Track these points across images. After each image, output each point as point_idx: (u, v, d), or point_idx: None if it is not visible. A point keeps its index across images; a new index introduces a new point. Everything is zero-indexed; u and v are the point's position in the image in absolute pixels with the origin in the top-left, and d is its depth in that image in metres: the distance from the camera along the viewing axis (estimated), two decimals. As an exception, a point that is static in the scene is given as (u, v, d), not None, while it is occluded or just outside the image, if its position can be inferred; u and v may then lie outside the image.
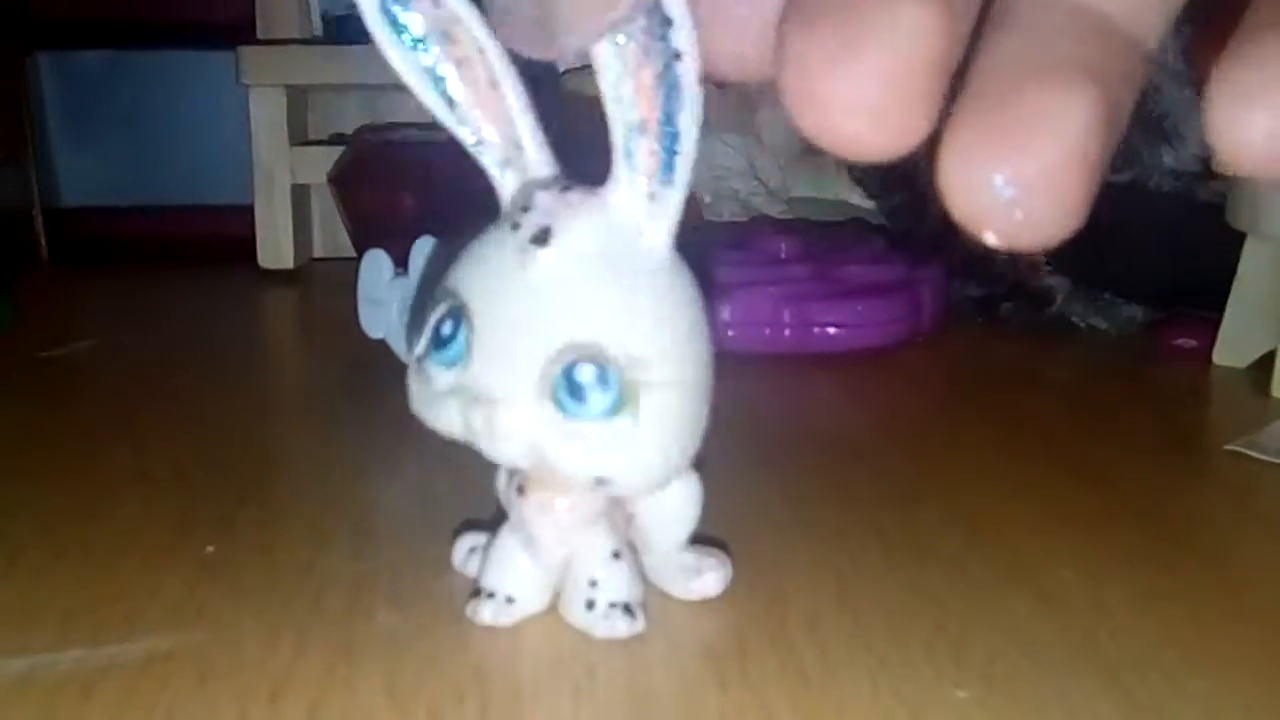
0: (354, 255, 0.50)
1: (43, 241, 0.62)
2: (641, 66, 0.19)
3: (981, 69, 0.14)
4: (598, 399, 0.19)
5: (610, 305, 0.20)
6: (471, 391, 0.20)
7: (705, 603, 0.24)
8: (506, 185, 0.21)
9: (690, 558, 0.24)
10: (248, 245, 0.59)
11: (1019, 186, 0.13)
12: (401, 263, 0.39)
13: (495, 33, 0.18)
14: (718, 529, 0.25)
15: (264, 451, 0.33)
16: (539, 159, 0.21)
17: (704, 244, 0.47)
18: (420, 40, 0.20)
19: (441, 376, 0.20)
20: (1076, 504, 0.30)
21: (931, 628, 0.23)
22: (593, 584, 0.22)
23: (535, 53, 0.17)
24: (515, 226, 0.20)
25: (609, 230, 0.20)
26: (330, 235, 0.63)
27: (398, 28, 0.19)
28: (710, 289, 0.21)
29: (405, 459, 0.32)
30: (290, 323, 0.55)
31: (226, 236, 0.61)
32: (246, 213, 0.60)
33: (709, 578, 0.24)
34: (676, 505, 0.23)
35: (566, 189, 0.20)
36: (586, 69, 0.19)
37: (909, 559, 0.26)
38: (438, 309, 0.21)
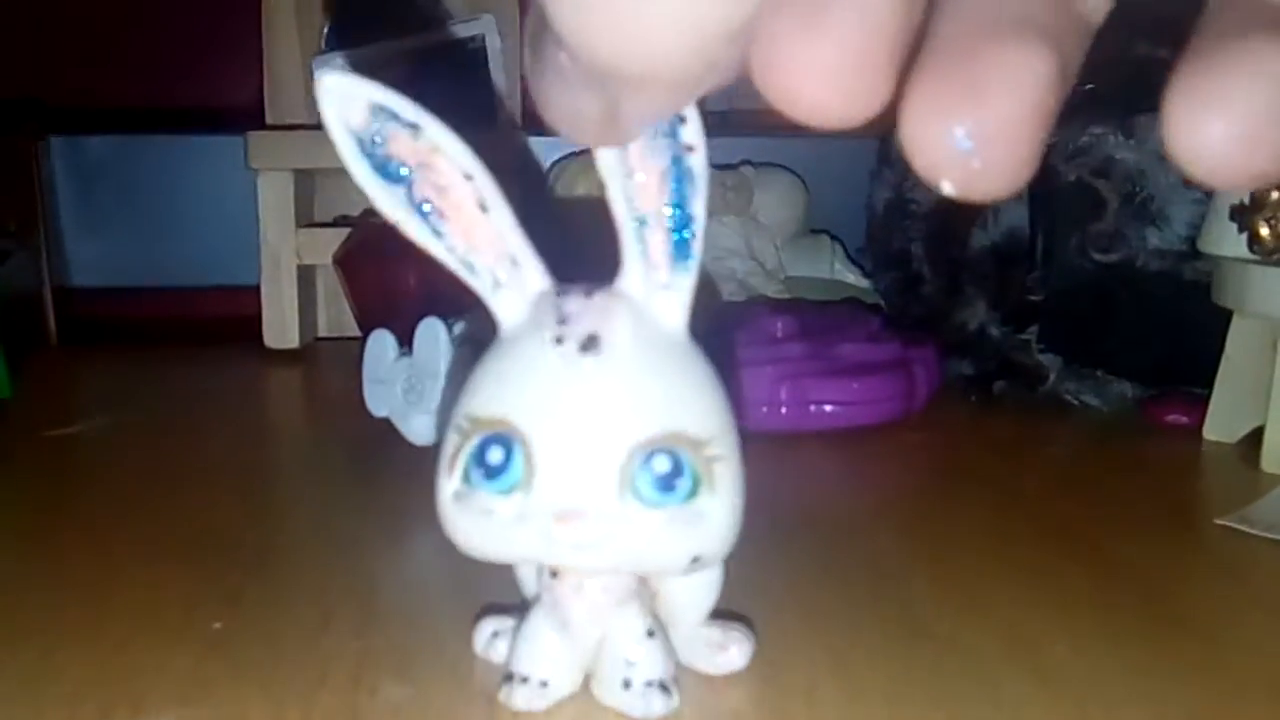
0: (358, 335, 0.50)
1: (52, 321, 0.63)
2: (645, 164, 0.20)
3: (942, 25, 0.15)
4: (679, 485, 0.20)
5: (665, 394, 0.20)
6: (550, 510, 0.20)
7: (704, 680, 0.24)
8: (501, 304, 0.21)
9: (715, 633, 0.24)
10: (254, 325, 0.60)
11: (977, 138, 0.14)
12: (406, 343, 0.40)
13: (560, 131, 0.18)
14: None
15: (270, 529, 0.34)
16: (535, 271, 0.21)
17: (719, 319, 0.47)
18: (402, 176, 0.20)
19: (502, 505, 0.20)
20: (1070, 580, 0.31)
21: (928, 704, 0.23)
22: (629, 664, 0.22)
23: (602, 144, 0.18)
24: (559, 340, 0.20)
25: (638, 322, 0.21)
26: (335, 315, 0.64)
27: (377, 164, 0.20)
28: (730, 358, 0.22)
29: (409, 536, 0.33)
30: (295, 402, 0.56)
31: (233, 317, 0.62)
32: (253, 293, 0.60)
33: (734, 651, 0.24)
34: (700, 581, 0.24)
35: (588, 293, 0.21)
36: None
37: (904, 636, 0.27)
38: (469, 440, 0.21)
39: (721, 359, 0.22)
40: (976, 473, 0.42)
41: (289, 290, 0.60)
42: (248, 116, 0.63)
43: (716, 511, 0.20)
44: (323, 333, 0.64)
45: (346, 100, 0.19)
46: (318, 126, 0.19)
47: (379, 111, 0.19)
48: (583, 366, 0.20)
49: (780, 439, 0.44)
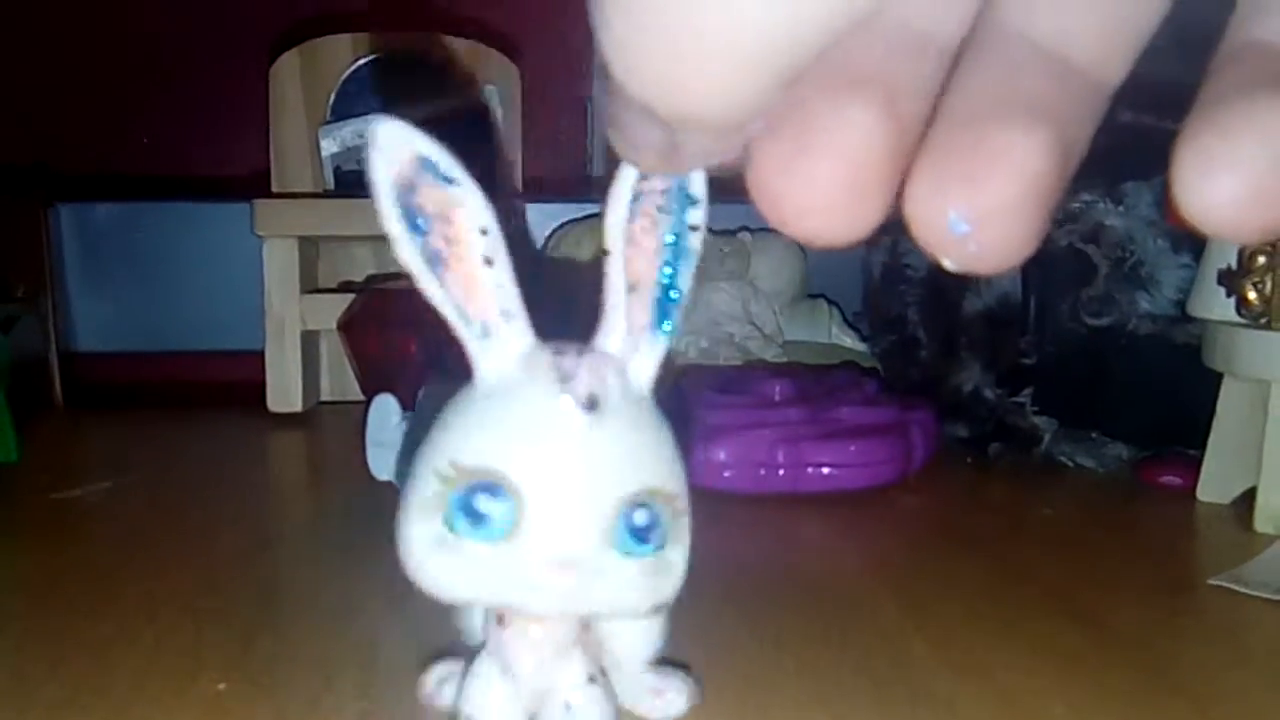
0: (361, 399, 0.51)
1: (58, 385, 0.64)
2: (648, 237, 0.21)
3: (947, 108, 0.15)
4: (654, 537, 0.21)
5: (646, 451, 0.21)
6: (542, 560, 0.21)
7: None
8: (485, 354, 0.22)
9: (655, 679, 0.25)
10: (258, 389, 0.61)
11: (973, 222, 0.15)
12: (408, 407, 0.41)
13: (624, 156, 0.18)
14: (711, 666, 0.26)
15: (272, 590, 0.34)
16: (523, 325, 0.22)
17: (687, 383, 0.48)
18: (422, 227, 0.21)
19: (486, 552, 0.21)
20: (1065, 642, 0.31)
21: (923, 764, 0.24)
22: (570, 708, 0.23)
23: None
24: (560, 398, 0.21)
25: (623, 381, 0.22)
26: (338, 379, 0.64)
27: (408, 213, 0.20)
28: (688, 417, 0.23)
29: (410, 597, 0.33)
30: (298, 465, 0.56)
31: (237, 381, 0.63)
32: (257, 358, 0.61)
33: (671, 696, 0.25)
34: (645, 628, 0.25)
35: (580, 352, 0.21)
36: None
37: (901, 700, 0.27)
38: (453, 487, 0.21)
39: (681, 417, 0.23)
40: (973, 534, 0.42)
41: (293, 355, 0.61)
42: (253, 184, 0.64)
43: (678, 561, 0.22)
44: (326, 397, 0.65)
45: (395, 149, 0.20)
46: (323, 194, 0.20)
47: (421, 163, 0.20)
48: (583, 424, 0.21)
49: (778, 501, 0.44)
